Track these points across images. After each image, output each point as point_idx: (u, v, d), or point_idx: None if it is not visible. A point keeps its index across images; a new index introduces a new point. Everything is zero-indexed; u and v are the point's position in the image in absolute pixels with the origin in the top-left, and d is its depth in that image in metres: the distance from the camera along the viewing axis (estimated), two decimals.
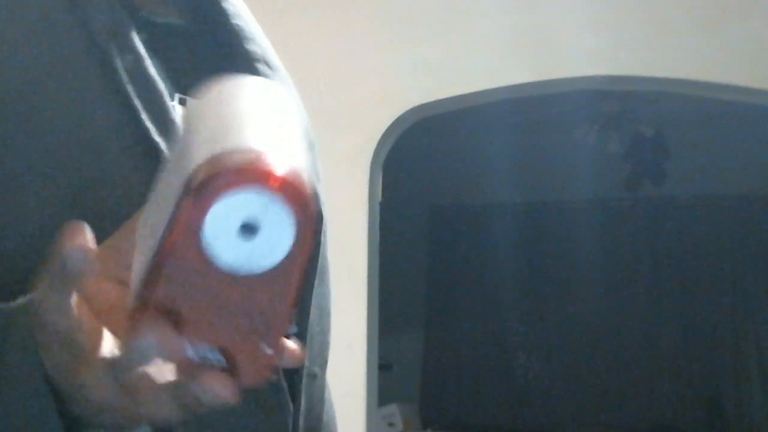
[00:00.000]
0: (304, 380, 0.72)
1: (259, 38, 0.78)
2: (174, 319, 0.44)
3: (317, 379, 0.75)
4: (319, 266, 0.76)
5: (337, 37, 2.88)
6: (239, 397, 0.45)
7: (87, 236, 0.45)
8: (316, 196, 0.43)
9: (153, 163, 0.64)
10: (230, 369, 0.45)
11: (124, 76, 0.65)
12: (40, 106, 0.63)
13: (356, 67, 2.87)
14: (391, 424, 5.34)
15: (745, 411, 5.63)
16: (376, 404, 2.93)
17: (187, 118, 0.49)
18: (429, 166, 5.86)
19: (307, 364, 0.73)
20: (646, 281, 5.87)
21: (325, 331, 0.78)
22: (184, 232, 0.43)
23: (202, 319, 0.45)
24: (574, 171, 5.54)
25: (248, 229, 0.43)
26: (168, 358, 0.44)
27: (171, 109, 0.67)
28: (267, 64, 0.77)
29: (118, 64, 0.66)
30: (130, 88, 0.65)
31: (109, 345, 0.47)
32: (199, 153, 0.43)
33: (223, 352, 0.45)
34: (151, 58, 0.68)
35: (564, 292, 5.94)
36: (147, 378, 0.45)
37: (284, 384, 0.69)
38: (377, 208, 2.88)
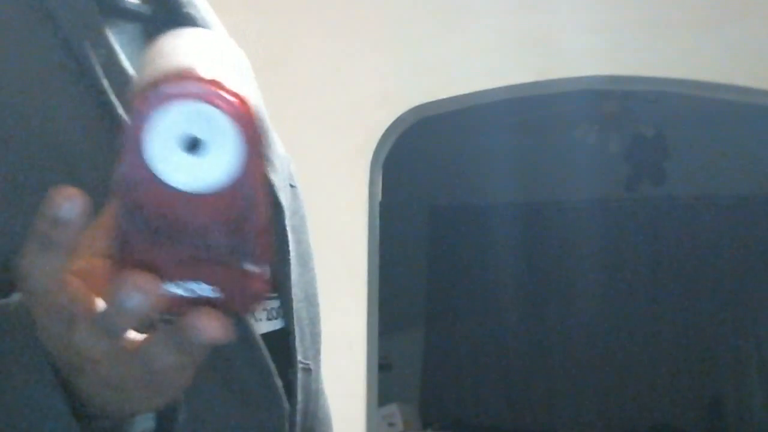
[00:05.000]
0: (299, 375, 0.72)
1: (213, 27, 0.78)
2: (151, 263, 0.43)
3: (311, 373, 0.75)
4: (299, 253, 0.76)
5: (337, 37, 2.88)
6: (231, 331, 0.44)
7: (78, 194, 0.44)
8: (257, 111, 0.44)
9: None
10: (223, 300, 0.44)
11: (99, 72, 0.65)
12: (9, 109, 0.62)
13: (356, 67, 2.87)
14: (391, 424, 5.34)
15: (745, 411, 5.63)
16: (376, 404, 2.93)
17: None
18: (429, 166, 5.87)
19: (300, 358, 0.72)
20: (646, 281, 5.87)
21: (315, 321, 0.77)
22: (130, 154, 0.42)
23: (176, 254, 0.44)
24: (574, 171, 5.55)
25: (193, 144, 0.42)
26: (152, 302, 0.43)
27: None
28: None
29: (93, 59, 0.65)
30: (105, 84, 0.64)
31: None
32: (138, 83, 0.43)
33: (210, 282, 0.44)
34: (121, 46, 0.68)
35: (564, 292, 5.94)
36: (135, 326, 0.45)
37: (279, 382, 0.68)
38: (377, 208, 2.88)
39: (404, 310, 5.77)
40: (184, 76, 0.42)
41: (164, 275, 0.43)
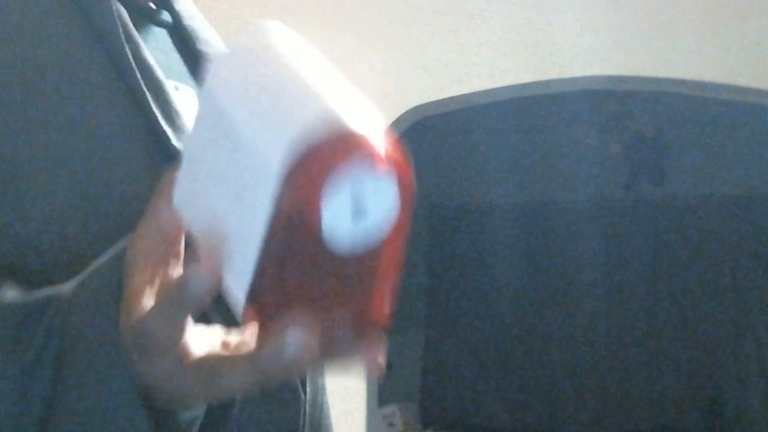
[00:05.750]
0: None
1: (212, 40, 0.81)
2: (289, 305, 0.45)
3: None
4: None
5: (338, 37, 2.88)
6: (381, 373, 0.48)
7: (208, 273, 0.46)
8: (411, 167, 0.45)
9: (160, 151, 0.65)
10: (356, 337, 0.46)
11: (133, 64, 0.66)
12: (45, 100, 0.64)
13: (356, 67, 2.87)
14: (391, 424, 5.34)
15: (745, 411, 5.63)
16: (376, 404, 2.93)
17: (224, 89, 0.47)
18: (429, 166, 5.86)
19: None
20: (646, 281, 5.87)
21: None
22: (302, 221, 0.42)
23: (317, 300, 0.45)
24: (574, 171, 5.55)
25: (358, 209, 0.43)
26: (305, 350, 0.46)
27: (172, 97, 0.68)
28: None
29: (127, 51, 0.67)
30: (139, 76, 0.66)
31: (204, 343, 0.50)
32: (286, 132, 0.42)
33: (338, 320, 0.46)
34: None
35: (564, 292, 5.94)
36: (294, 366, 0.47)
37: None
38: None
39: (404, 310, 5.76)
40: (355, 146, 0.42)
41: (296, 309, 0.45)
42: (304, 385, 0.72)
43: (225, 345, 0.51)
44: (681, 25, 2.73)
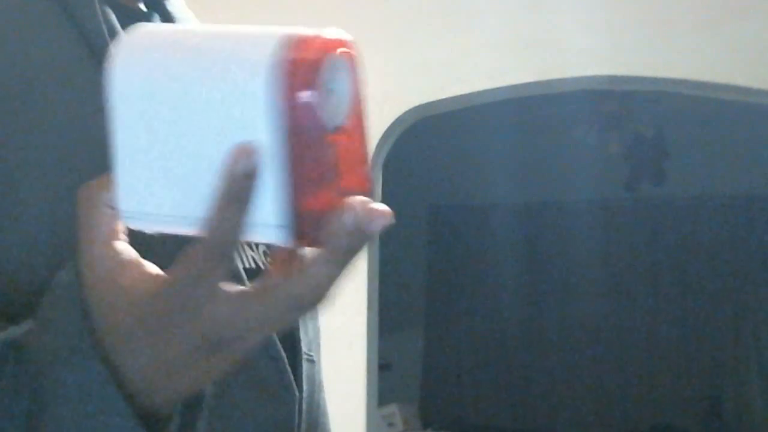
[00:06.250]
0: (304, 366, 0.74)
1: None
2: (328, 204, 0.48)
3: (315, 364, 0.77)
4: None
5: None
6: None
7: (253, 148, 0.47)
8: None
9: None
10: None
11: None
12: (38, 104, 0.64)
13: None
14: (391, 424, 5.34)
15: (745, 411, 5.63)
16: (376, 404, 2.93)
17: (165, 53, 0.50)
18: (429, 166, 5.87)
19: (305, 349, 0.75)
20: (646, 281, 5.87)
21: (314, 315, 0.80)
22: (304, 113, 0.47)
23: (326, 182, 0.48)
24: (574, 171, 5.54)
25: (335, 89, 0.49)
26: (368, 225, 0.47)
27: None
28: None
29: (104, 35, 0.67)
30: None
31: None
32: (255, 59, 0.47)
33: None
34: None
35: (564, 292, 5.94)
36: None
37: (289, 370, 0.70)
38: None
39: (404, 310, 5.77)
40: (314, 38, 0.49)
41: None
42: (299, 382, 0.72)
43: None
44: (681, 25, 2.73)
